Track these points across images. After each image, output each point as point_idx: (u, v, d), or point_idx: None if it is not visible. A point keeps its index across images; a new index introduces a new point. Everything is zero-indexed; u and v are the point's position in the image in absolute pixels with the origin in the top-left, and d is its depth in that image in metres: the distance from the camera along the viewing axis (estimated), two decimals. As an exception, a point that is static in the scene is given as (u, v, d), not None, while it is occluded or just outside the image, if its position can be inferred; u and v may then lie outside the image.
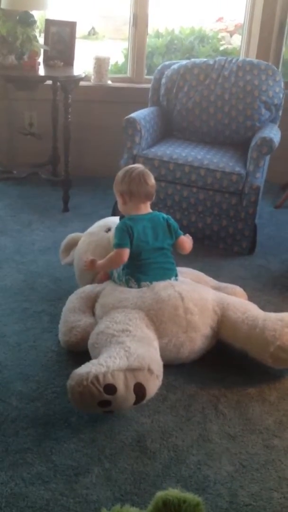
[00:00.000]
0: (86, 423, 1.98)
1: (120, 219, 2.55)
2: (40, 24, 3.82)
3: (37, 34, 3.64)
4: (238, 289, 2.64)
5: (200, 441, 1.94)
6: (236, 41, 4.86)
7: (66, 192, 3.69)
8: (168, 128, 3.78)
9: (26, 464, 1.80)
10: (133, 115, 3.38)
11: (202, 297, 2.32)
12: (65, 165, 3.64)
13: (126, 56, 4.45)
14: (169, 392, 2.15)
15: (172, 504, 1.42)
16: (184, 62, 3.77)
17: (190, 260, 2.78)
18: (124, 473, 1.80)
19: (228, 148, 3.60)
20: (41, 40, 3.74)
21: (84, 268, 2.54)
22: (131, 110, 3.47)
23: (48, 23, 3.78)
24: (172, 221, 2.49)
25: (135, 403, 1.91)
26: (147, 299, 2.26)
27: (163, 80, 3.74)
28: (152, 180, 2.44)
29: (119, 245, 2.36)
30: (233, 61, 3.69)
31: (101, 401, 1.84)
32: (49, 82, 3.70)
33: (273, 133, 3.34)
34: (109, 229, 2.66)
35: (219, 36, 4.91)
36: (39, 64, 3.57)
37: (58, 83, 3.58)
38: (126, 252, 2.35)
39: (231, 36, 5.00)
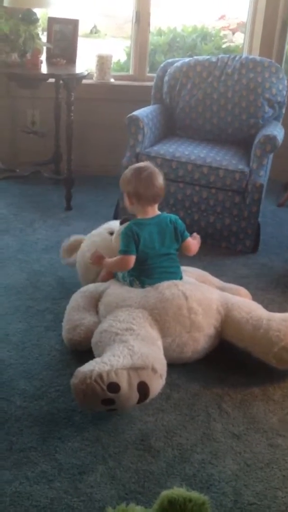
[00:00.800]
0: (90, 421, 1.97)
1: (121, 223, 2.53)
2: (42, 22, 3.82)
3: (39, 32, 3.64)
4: (242, 290, 2.62)
5: (204, 440, 1.94)
6: (239, 39, 4.85)
7: (68, 190, 3.68)
8: (171, 126, 3.77)
9: (30, 463, 1.80)
10: (135, 113, 3.37)
11: (206, 296, 2.31)
12: (68, 163, 3.63)
13: (128, 54, 4.45)
14: (172, 391, 2.15)
15: (178, 503, 1.41)
16: (187, 59, 3.76)
17: (193, 258, 2.76)
18: (129, 471, 1.80)
19: (231, 146, 3.59)
20: (43, 38, 3.74)
21: (89, 262, 2.52)
22: (133, 108, 3.46)
23: (51, 21, 3.77)
24: (179, 223, 2.42)
25: (138, 402, 1.90)
26: (151, 298, 2.25)
27: (166, 78, 3.73)
28: (160, 181, 2.37)
29: (125, 251, 2.32)
30: (236, 58, 3.68)
31: (104, 399, 1.83)
32: (52, 80, 3.69)
33: (277, 131, 3.33)
34: (112, 233, 2.65)
35: (222, 34, 4.90)
36: (41, 62, 3.56)
37: (61, 81, 3.57)
38: (132, 259, 2.32)
39: (233, 34, 4.99)
